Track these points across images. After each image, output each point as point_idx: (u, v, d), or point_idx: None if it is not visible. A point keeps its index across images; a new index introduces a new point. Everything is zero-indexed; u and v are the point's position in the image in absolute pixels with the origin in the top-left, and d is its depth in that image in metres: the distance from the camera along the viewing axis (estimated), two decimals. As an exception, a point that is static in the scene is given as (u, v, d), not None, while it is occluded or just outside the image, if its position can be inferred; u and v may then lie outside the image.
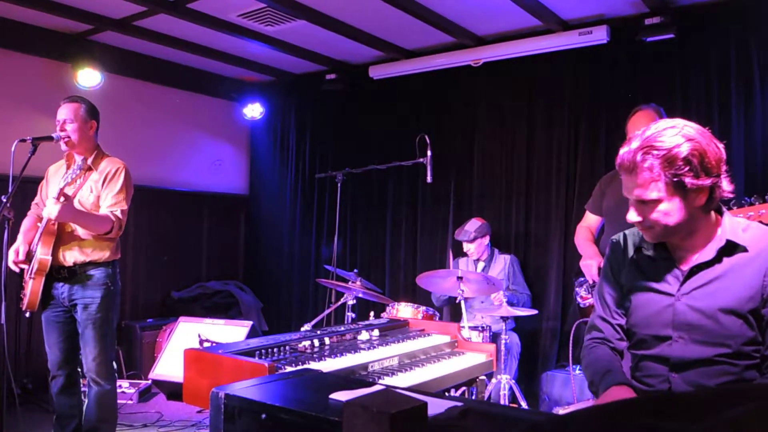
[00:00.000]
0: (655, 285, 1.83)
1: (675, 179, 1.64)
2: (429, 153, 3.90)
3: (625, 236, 1.96)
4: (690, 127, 1.69)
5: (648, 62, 4.63)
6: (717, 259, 1.75)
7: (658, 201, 1.68)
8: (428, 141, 3.88)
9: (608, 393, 1.76)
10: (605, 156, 4.83)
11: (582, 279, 3.62)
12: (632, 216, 1.75)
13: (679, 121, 1.71)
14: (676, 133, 1.66)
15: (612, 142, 4.83)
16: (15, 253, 3.28)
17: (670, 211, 1.68)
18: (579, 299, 3.68)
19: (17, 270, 3.30)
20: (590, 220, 3.75)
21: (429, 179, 3.93)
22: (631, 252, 1.91)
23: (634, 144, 1.69)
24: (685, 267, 1.79)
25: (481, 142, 5.50)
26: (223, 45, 5.58)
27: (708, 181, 1.65)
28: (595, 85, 4.92)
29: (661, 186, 1.66)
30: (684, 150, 1.63)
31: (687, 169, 1.63)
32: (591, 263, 3.45)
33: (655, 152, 1.64)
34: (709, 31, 4.42)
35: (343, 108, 6.32)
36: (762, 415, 0.58)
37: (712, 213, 1.78)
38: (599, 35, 4.60)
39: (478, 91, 5.50)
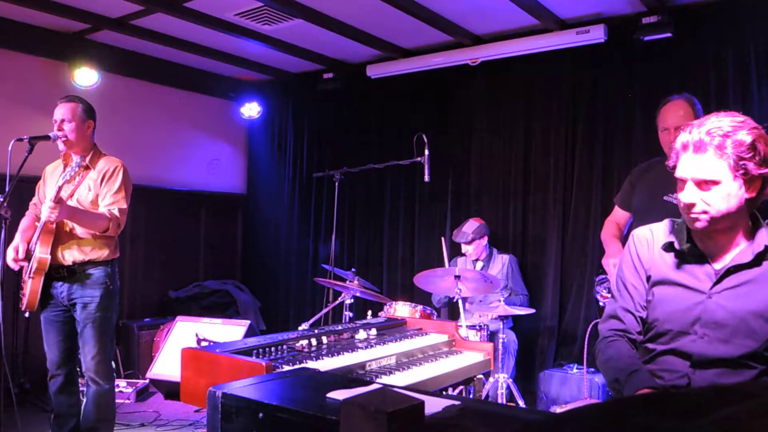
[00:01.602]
0: (684, 281, 1.81)
1: (740, 162, 1.65)
2: (427, 152, 3.90)
3: (651, 230, 1.94)
4: (744, 118, 1.72)
5: (645, 61, 4.63)
6: (755, 263, 1.75)
7: (717, 182, 1.68)
8: (426, 140, 3.88)
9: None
10: (603, 155, 4.83)
11: (603, 277, 3.46)
12: (688, 196, 1.72)
13: (732, 114, 1.74)
14: (739, 121, 1.69)
15: (609, 141, 4.83)
16: (14, 251, 3.28)
17: (726, 195, 1.68)
18: (599, 298, 3.51)
19: (16, 268, 3.29)
20: (618, 215, 3.50)
21: (427, 178, 3.93)
22: (658, 246, 1.89)
23: (700, 129, 1.70)
24: (719, 266, 1.79)
25: (479, 141, 5.50)
26: (220, 44, 5.58)
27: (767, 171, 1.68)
28: (592, 84, 4.92)
29: (725, 166, 1.66)
30: (751, 136, 1.66)
31: (751, 155, 1.65)
32: (615, 261, 3.16)
33: (723, 133, 1.66)
34: (706, 30, 4.42)
35: (340, 107, 6.31)
36: (762, 412, 0.58)
37: (748, 219, 1.79)
38: (597, 34, 4.59)
39: (475, 90, 5.50)
